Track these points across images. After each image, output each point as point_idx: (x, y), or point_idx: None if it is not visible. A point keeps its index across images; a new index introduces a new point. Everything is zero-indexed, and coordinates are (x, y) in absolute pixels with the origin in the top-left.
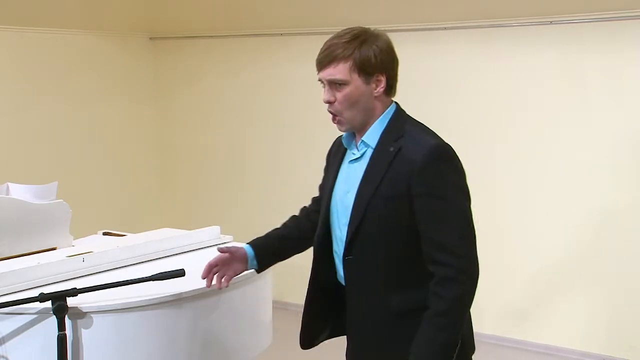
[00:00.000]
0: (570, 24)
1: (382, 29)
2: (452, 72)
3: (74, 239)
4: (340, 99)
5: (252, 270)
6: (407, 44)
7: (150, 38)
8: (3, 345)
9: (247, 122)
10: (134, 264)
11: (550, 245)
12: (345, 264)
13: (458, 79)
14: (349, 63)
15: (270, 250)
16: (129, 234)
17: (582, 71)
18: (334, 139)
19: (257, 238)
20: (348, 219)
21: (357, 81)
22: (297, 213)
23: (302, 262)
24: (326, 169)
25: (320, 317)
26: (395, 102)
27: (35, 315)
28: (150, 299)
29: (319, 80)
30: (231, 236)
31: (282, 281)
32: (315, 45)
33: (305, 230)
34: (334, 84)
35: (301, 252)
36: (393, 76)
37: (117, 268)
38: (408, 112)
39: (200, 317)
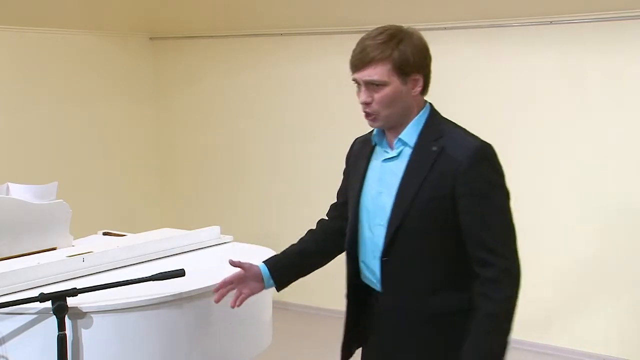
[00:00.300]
0: (571, 24)
1: None
2: (452, 72)
3: (74, 239)
4: (379, 100)
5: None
6: None
7: (150, 38)
8: (3, 345)
9: (247, 122)
10: (134, 264)
11: (555, 247)
12: (383, 265)
13: (458, 79)
14: (387, 64)
15: (287, 267)
16: (129, 234)
17: (582, 71)
18: (348, 140)
19: (273, 256)
20: (386, 219)
21: (395, 82)
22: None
23: None
24: (347, 171)
25: (357, 324)
26: (429, 102)
27: (35, 315)
28: (150, 299)
29: (354, 80)
30: (231, 236)
31: None
32: (315, 45)
33: (324, 243)
34: (371, 85)
35: (321, 266)
36: (428, 75)
37: (117, 268)
38: None
39: (201, 317)
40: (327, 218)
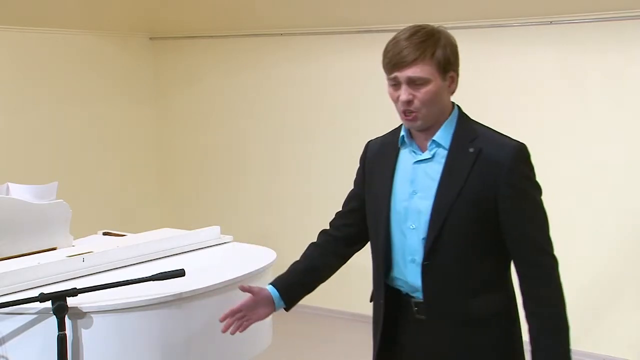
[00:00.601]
0: (571, 24)
1: (381, 29)
2: None
3: (74, 239)
4: (422, 97)
5: (251, 270)
6: None
7: (150, 38)
8: (3, 345)
9: (247, 122)
10: (134, 264)
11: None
12: (424, 269)
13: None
14: (431, 61)
15: (295, 286)
16: (129, 234)
17: (582, 71)
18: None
19: (280, 276)
20: (424, 223)
21: (437, 79)
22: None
23: None
24: (362, 175)
25: (390, 330)
26: (456, 103)
27: (35, 315)
28: (150, 299)
29: (392, 79)
30: (231, 236)
31: None
32: (314, 45)
33: (329, 258)
34: (412, 83)
35: (326, 280)
36: (459, 74)
37: (117, 268)
38: None
39: (200, 317)
40: (330, 228)
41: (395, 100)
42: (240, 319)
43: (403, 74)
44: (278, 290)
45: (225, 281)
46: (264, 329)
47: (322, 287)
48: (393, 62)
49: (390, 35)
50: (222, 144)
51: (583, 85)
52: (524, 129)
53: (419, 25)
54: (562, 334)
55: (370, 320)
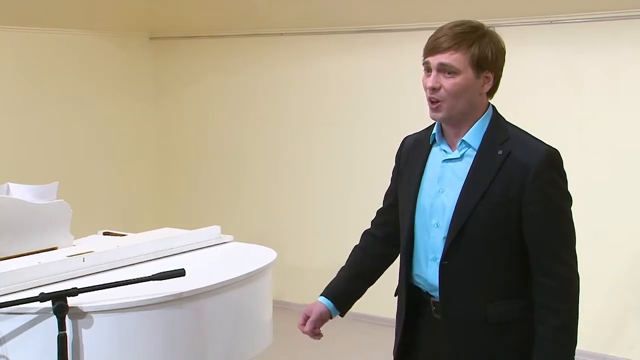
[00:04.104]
0: (570, 24)
1: (382, 28)
2: None
3: (75, 239)
4: (448, 87)
5: (252, 270)
6: (408, 44)
7: (150, 38)
8: (4, 345)
9: (247, 122)
10: (134, 264)
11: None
12: (442, 269)
13: None
14: (466, 53)
15: (346, 295)
16: (129, 234)
17: (581, 70)
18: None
19: (330, 286)
20: (446, 221)
21: (469, 73)
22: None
23: (301, 263)
24: (397, 170)
25: (412, 328)
26: (492, 104)
27: (35, 315)
28: (150, 299)
29: (425, 64)
30: (231, 236)
31: (282, 281)
32: (314, 45)
33: (373, 260)
34: (442, 71)
35: (374, 282)
36: (499, 78)
37: (117, 268)
38: (412, 113)
39: (201, 317)
40: (371, 227)
41: (425, 87)
42: (313, 331)
43: (435, 60)
44: (333, 302)
45: (226, 281)
46: (264, 329)
47: (322, 287)
48: (430, 47)
49: (390, 35)
50: (222, 144)
51: (582, 84)
52: (524, 128)
53: (467, 20)
54: (566, 348)
55: (370, 320)
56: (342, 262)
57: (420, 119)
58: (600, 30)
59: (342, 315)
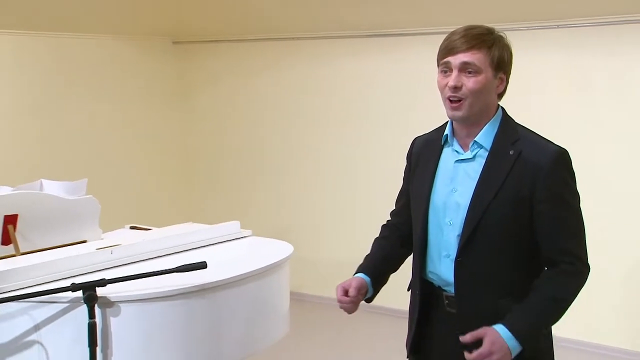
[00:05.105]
0: (577, 28)
1: (392, 33)
2: None
3: (103, 233)
4: (471, 86)
5: (270, 263)
6: (417, 47)
7: (174, 42)
8: (39, 332)
9: (264, 122)
10: (158, 257)
11: None
12: (457, 265)
13: None
14: (487, 53)
15: (381, 274)
16: (154, 228)
17: (588, 73)
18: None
19: (364, 265)
20: (460, 220)
21: (489, 73)
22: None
23: (317, 257)
24: (410, 170)
25: (425, 322)
26: (502, 106)
27: (67, 304)
28: (174, 290)
29: (444, 64)
30: (250, 231)
31: (298, 274)
32: (327, 49)
33: (401, 250)
34: (464, 70)
35: (396, 270)
36: (509, 81)
37: (143, 260)
38: (421, 114)
39: (221, 307)
40: (383, 231)
41: (443, 87)
42: (354, 299)
43: (457, 59)
44: (368, 276)
45: (245, 273)
46: (282, 319)
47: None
48: (449, 47)
49: (400, 39)
50: (241, 143)
51: (589, 87)
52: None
53: (478, 24)
54: (548, 319)
55: (382, 312)
56: (356, 256)
57: (429, 119)
58: (606, 33)
59: (372, 297)
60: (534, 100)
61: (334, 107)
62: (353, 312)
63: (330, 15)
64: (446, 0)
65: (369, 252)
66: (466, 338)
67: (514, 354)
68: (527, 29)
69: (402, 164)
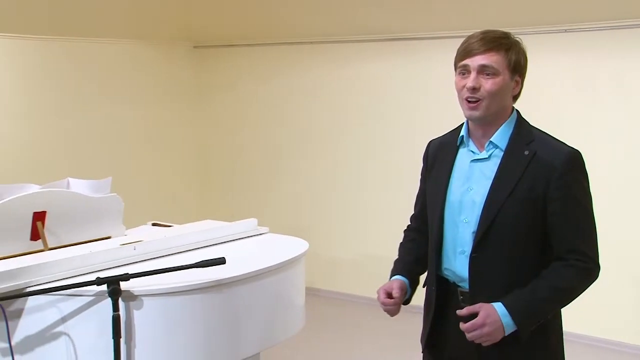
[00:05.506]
0: (584, 32)
1: (408, 37)
2: None
3: (126, 229)
4: (488, 87)
5: (286, 259)
6: (432, 51)
7: (194, 47)
8: (65, 323)
9: (280, 123)
10: (179, 252)
11: None
12: (472, 261)
13: None
14: (505, 56)
15: (415, 274)
16: (175, 225)
17: (595, 77)
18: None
19: (398, 267)
20: (475, 217)
21: (506, 75)
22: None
23: (331, 253)
24: (426, 171)
25: (440, 317)
26: (516, 108)
27: (92, 297)
28: (193, 284)
29: (462, 67)
30: (267, 228)
31: (313, 269)
32: (343, 53)
33: (426, 249)
34: (482, 72)
35: (425, 272)
36: (523, 84)
37: (164, 256)
38: (431, 118)
39: (239, 302)
40: (406, 236)
41: (461, 89)
42: (394, 305)
43: (475, 61)
44: (406, 278)
45: (262, 269)
46: (297, 313)
47: (352, 275)
48: (467, 49)
49: (416, 43)
50: (258, 144)
51: (596, 91)
52: None
53: (493, 29)
54: (548, 307)
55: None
56: (368, 253)
57: (440, 121)
58: (613, 38)
59: (409, 299)
60: (542, 102)
61: (348, 109)
62: (396, 314)
63: (344, 21)
64: (457, 6)
65: (397, 257)
66: (463, 312)
67: (507, 332)
68: (536, 33)
69: (414, 165)
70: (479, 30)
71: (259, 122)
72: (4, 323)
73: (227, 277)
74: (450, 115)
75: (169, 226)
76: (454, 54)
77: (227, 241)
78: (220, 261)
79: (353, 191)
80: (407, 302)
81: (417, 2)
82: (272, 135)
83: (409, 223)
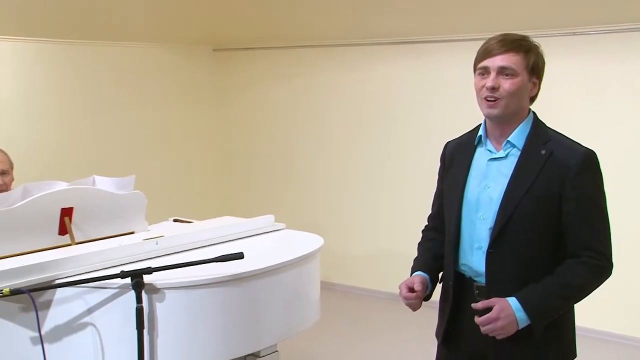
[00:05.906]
0: (593, 35)
1: (421, 40)
2: None
3: (149, 225)
4: (507, 87)
5: (302, 254)
6: (444, 54)
7: (214, 50)
8: (91, 314)
9: (297, 124)
10: (199, 247)
11: None
12: (488, 256)
13: None
14: (524, 57)
15: (436, 271)
16: (195, 221)
17: (603, 79)
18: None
19: (419, 264)
20: (492, 214)
21: (524, 76)
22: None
23: (345, 249)
24: (444, 170)
25: (457, 311)
26: (532, 110)
27: (117, 290)
28: (213, 278)
29: (481, 68)
30: (284, 224)
31: (328, 264)
32: (357, 55)
33: (441, 249)
34: (501, 73)
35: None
36: (540, 87)
37: (185, 250)
38: (441, 119)
39: (257, 295)
40: (424, 237)
41: (480, 88)
42: (416, 299)
43: (494, 62)
44: (426, 273)
45: (279, 263)
46: (313, 306)
47: (367, 270)
48: (488, 50)
49: (428, 45)
50: (276, 144)
51: (605, 93)
52: None
53: (510, 32)
54: (560, 303)
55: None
56: (381, 248)
57: (452, 122)
58: (621, 41)
59: (430, 294)
60: (552, 104)
61: (362, 111)
62: (418, 308)
63: (359, 24)
64: (468, 10)
65: (416, 255)
66: (478, 305)
67: (520, 326)
68: (545, 36)
69: (426, 164)
70: (498, 34)
71: (276, 122)
72: (34, 313)
73: (245, 271)
74: (461, 115)
75: (190, 222)
76: (465, 56)
77: (245, 237)
78: (239, 256)
79: (366, 189)
80: (427, 297)
81: (429, 6)
82: (289, 135)
83: (427, 223)
